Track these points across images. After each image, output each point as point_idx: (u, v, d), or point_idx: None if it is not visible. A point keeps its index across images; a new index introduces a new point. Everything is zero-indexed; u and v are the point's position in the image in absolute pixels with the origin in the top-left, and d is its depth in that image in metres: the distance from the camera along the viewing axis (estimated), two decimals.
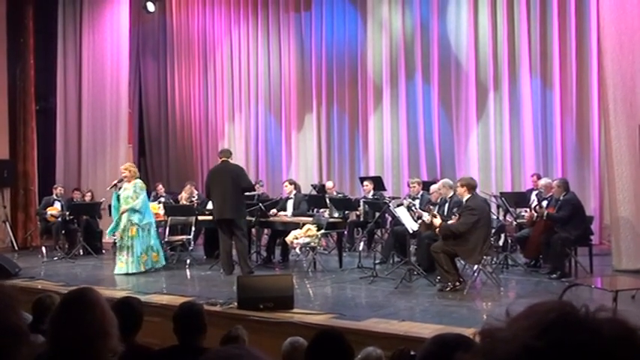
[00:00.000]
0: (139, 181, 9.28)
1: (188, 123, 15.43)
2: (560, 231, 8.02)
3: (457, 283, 7.24)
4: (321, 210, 10.50)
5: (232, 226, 8.61)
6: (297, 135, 13.91)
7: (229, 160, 8.92)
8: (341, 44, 13.39)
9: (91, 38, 13.92)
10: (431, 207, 8.11)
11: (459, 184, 7.65)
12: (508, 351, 0.79)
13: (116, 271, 9.10)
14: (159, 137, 15.86)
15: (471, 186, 7.48)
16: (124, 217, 9.11)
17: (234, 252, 8.80)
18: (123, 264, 9.07)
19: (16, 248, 12.35)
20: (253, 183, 9.45)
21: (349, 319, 5.90)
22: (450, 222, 7.43)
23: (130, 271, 9.00)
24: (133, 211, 9.09)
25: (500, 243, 9.03)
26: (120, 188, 9.28)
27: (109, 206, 11.94)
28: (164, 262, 9.32)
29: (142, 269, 9.04)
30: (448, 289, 7.22)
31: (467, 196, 7.40)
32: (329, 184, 11.68)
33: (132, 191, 9.13)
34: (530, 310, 0.84)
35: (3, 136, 13.06)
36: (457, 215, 7.45)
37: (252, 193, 10.16)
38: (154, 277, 8.76)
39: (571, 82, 10.98)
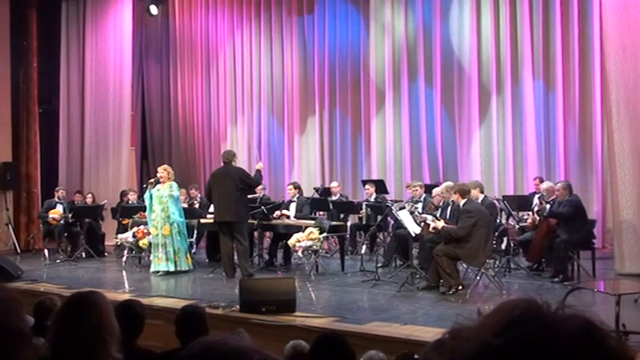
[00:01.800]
0: (174, 182, 9.35)
1: (191, 126, 15.44)
2: (563, 234, 8.01)
3: (459, 287, 7.23)
4: (321, 213, 10.51)
5: (233, 229, 8.62)
6: (299, 138, 13.91)
7: (232, 163, 8.92)
8: (343, 47, 13.40)
9: (93, 41, 13.94)
10: (433, 209, 8.12)
11: (452, 192, 7.74)
12: (469, 349, 0.79)
13: (152, 269, 9.14)
14: (161, 140, 15.88)
15: (463, 191, 7.57)
16: (160, 215, 9.14)
17: (235, 255, 8.80)
18: (160, 260, 9.12)
19: (19, 251, 12.36)
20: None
21: (351, 322, 5.90)
22: (450, 226, 7.45)
23: (163, 269, 9.05)
24: (172, 210, 9.14)
25: (503, 246, 9.02)
26: (154, 187, 9.29)
27: (112, 209, 12.00)
28: (192, 267, 9.31)
29: (175, 268, 9.06)
30: (451, 292, 7.21)
31: (462, 201, 7.48)
32: (334, 185, 11.66)
33: (167, 192, 9.18)
34: (496, 309, 0.84)
35: (6, 139, 13.08)
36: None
37: (255, 195, 10.16)
38: (156, 280, 8.76)
39: (574, 85, 10.97)
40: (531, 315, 0.80)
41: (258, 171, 9.05)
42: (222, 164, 9.01)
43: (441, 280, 7.43)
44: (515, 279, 8.34)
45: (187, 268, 9.20)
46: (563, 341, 0.76)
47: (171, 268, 9.06)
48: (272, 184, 13.75)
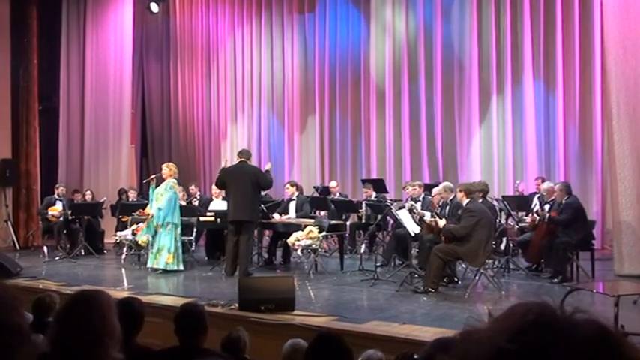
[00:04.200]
0: (171, 180, 9.28)
1: (191, 124, 15.44)
2: (562, 235, 8.01)
3: (430, 290, 7.23)
4: (322, 213, 10.50)
5: (242, 228, 8.61)
6: (299, 137, 13.91)
7: (247, 161, 8.92)
8: (344, 46, 13.40)
9: (94, 38, 13.95)
10: (436, 212, 8.12)
11: (457, 189, 7.71)
12: (481, 353, 0.78)
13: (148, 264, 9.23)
14: (161, 138, 15.88)
15: (469, 191, 7.52)
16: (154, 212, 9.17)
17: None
18: (149, 257, 9.16)
19: (18, 247, 12.37)
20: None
21: (350, 321, 5.89)
22: (452, 225, 7.44)
23: (149, 265, 9.08)
24: (159, 208, 9.13)
25: (502, 247, 9.02)
26: (155, 183, 9.30)
27: (111, 206, 12.01)
28: (181, 267, 9.17)
29: (154, 266, 9.02)
30: (420, 290, 7.26)
31: (465, 200, 7.44)
32: (332, 184, 11.68)
33: (163, 189, 9.19)
34: (508, 312, 0.83)
35: (6, 136, 13.08)
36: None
37: None
38: (156, 278, 8.76)
39: (574, 86, 10.98)
40: (545, 319, 0.79)
41: (267, 172, 9.03)
42: (237, 161, 8.98)
43: (441, 280, 7.44)
44: (514, 279, 8.34)
45: (171, 268, 9.00)
46: (578, 347, 0.76)
47: (152, 265, 9.03)
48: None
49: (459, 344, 0.83)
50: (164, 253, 9.06)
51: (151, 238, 9.22)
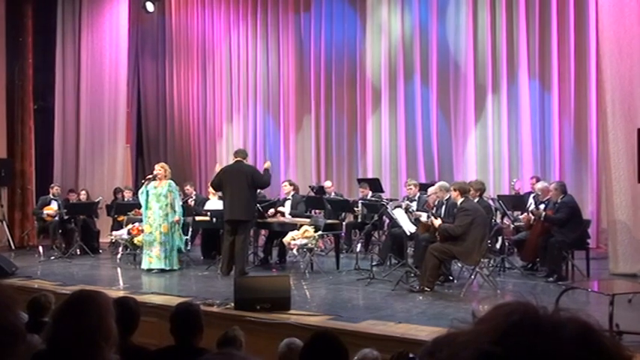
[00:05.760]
0: (172, 181, 9.34)
1: (186, 123, 15.42)
2: (557, 234, 8.03)
3: (426, 289, 7.24)
4: (317, 212, 10.50)
5: (238, 227, 8.60)
6: (295, 136, 13.91)
7: (244, 160, 8.91)
8: (340, 46, 13.39)
9: (89, 38, 13.92)
10: (430, 208, 8.15)
11: (452, 188, 7.74)
12: (466, 357, 0.77)
13: (144, 266, 9.15)
14: (157, 137, 15.85)
15: (463, 190, 7.55)
16: (158, 213, 9.13)
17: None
18: (152, 259, 9.11)
19: (13, 247, 12.32)
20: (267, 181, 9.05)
21: (346, 320, 5.90)
22: (447, 224, 7.46)
23: (158, 267, 9.05)
24: (172, 209, 9.15)
25: (498, 246, 9.03)
26: (149, 184, 9.27)
27: (107, 206, 11.98)
28: (178, 266, 9.33)
29: (169, 267, 9.08)
30: (416, 289, 7.28)
31: (460, 199, 7.46)
32: (327, 184, 11.68)
33: (166, 190, 9.18)
34: (492, 313, 0.82)
35: (1, 135, 13.04)
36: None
37: None
38: (151, 277, 8.75)
39: (569, 85, 11.00)
40: (530, 321, 0.79)
41: (267, 170, 9.01)
42: (233, 160, 8.97)
43: (437, 280, 7.45)
44: (510, 278, 8.36)
45: (176, 268, 9.20)
46: (562, 347, 0.76)
47: (167, 267, 9.07)
48: None
49: (444, 349, 0.82)
50: (175, 253, 9.18)
51: (149, 238, 9.20)
